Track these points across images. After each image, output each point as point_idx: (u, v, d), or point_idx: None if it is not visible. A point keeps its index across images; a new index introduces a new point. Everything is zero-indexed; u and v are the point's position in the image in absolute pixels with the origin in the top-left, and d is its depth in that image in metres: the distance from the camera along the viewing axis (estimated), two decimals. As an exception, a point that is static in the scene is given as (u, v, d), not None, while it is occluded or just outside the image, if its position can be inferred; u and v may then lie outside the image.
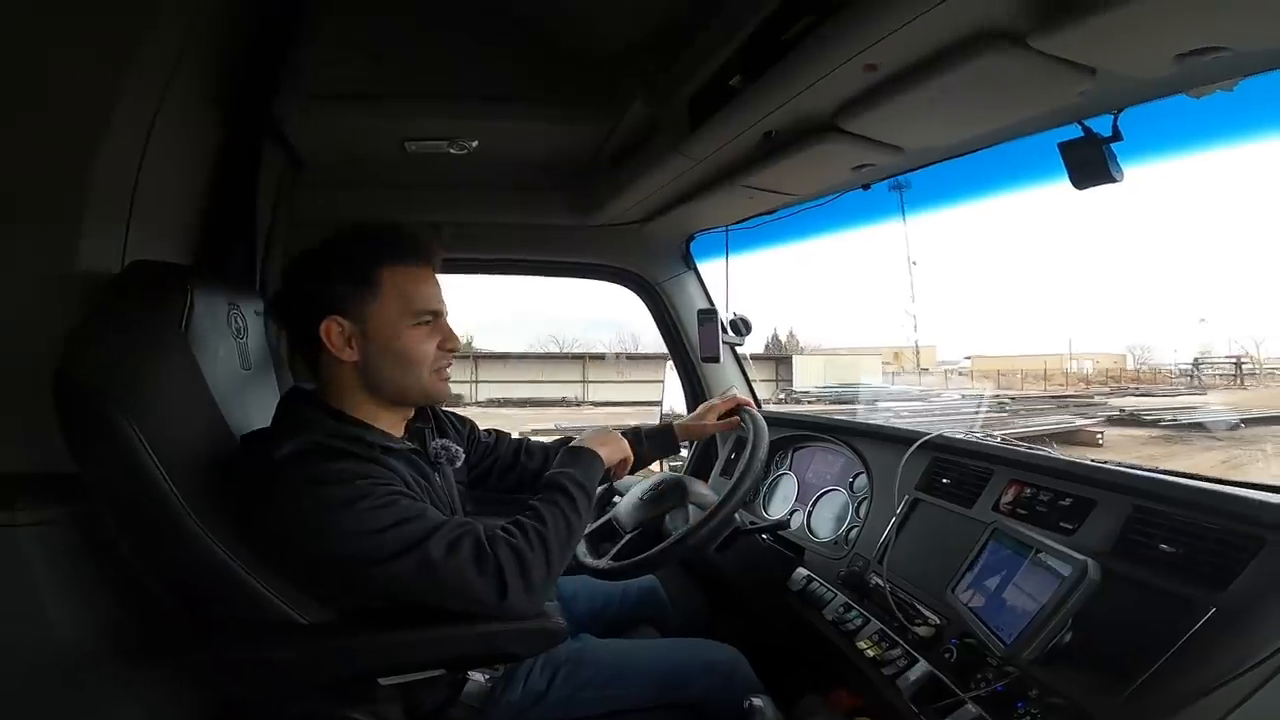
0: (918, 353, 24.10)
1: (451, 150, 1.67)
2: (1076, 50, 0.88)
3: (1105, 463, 1.20)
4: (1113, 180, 1.05)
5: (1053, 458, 1.23)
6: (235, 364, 1.16)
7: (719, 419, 1.55)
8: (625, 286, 2.16)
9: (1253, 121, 1.08)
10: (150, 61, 1.09)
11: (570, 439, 1.30)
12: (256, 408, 1.16)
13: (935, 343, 32.73)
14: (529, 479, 1.38)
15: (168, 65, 1.13)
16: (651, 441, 1.50)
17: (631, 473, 1.48)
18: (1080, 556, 0.91)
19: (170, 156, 1.21)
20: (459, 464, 1.22)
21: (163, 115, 1.15)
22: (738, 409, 1.53)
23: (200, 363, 1.03)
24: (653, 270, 2.12)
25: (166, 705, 1.12)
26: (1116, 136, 1.05)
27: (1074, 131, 1.09)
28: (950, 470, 1.38)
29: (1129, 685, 0.84)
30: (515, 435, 1.48)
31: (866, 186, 1.54)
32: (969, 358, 27.90)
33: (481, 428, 1.43)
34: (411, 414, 1.16)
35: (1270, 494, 0.94)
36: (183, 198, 1.36)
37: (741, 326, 1.99)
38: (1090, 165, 1.06)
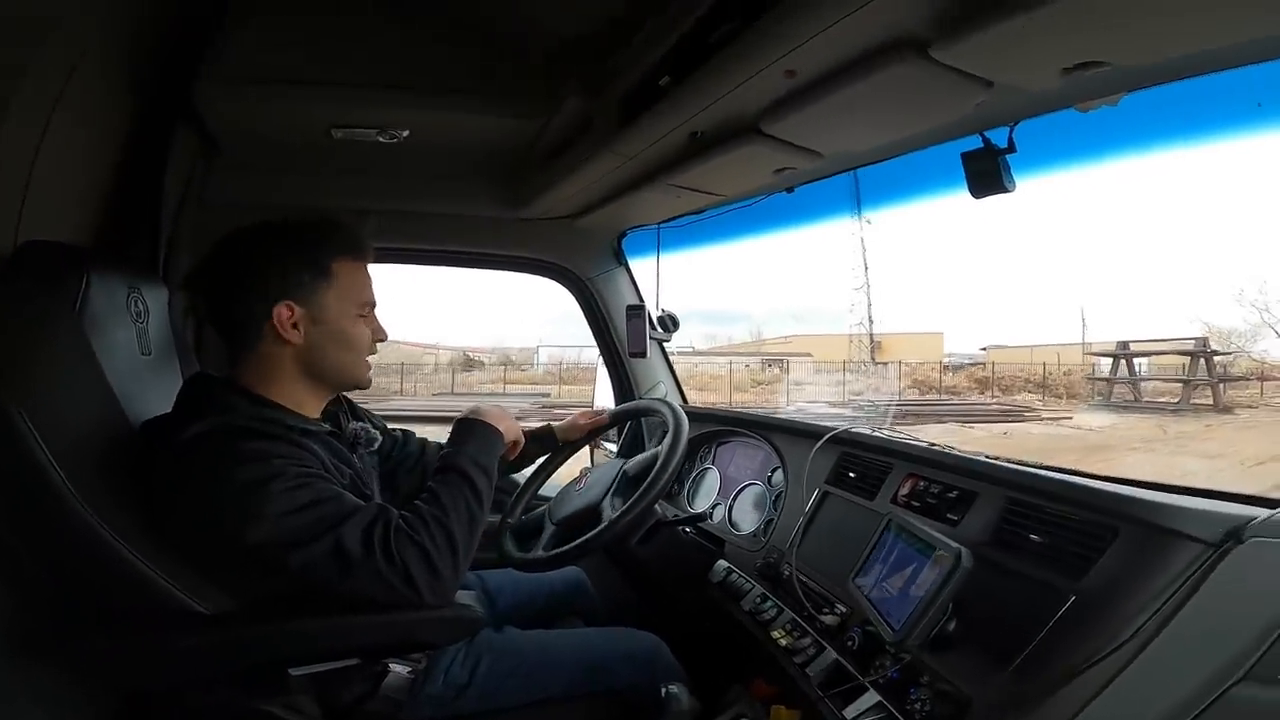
0: (872, 339, 22.22)
1: (380, 139, 1.63)
2: (972, 62, 0.92)
3: (996, 458, 1.25)
4: (1005, 190, 1.11)
5: (944, 452, 1.28)
6: (134, 349, 1.13)
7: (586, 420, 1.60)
8: (555, 280, 2.15)
9: (1136, 136, 1.16)
10: (58, 40, 1.05)
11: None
12: (158, 394, 1.12)
13: (943, 330, 30.08)
14: None
15: (77, 46, 1.09)
16: (533, 439, 1.51)
17: (516, 468, 1.49)
18: (955, 545, 0.94)
19: (75, 136, 1.17)
20: (375, 446, 1.22)
21: (69, 94, 1.10)
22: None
23: (95, 347, 0.99)
24: (583, 265, 2.12)
25: (63, 701, 1.04)
26: (1011, 148, 1.11)
27: (976, 142, 1.15)
28: (856, 464, 1.42)
29: (1006, 671, 0.87)
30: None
31: (790, 189, 1.58)
32: (984, 349, 24.46)
33: None
34: (330, 398, 1.14)
35: (1123, 486, 0.99)
36: (85, 178, 1.30)
37: (669, 323, 2.04)
38: (986, 175, 1.12)
